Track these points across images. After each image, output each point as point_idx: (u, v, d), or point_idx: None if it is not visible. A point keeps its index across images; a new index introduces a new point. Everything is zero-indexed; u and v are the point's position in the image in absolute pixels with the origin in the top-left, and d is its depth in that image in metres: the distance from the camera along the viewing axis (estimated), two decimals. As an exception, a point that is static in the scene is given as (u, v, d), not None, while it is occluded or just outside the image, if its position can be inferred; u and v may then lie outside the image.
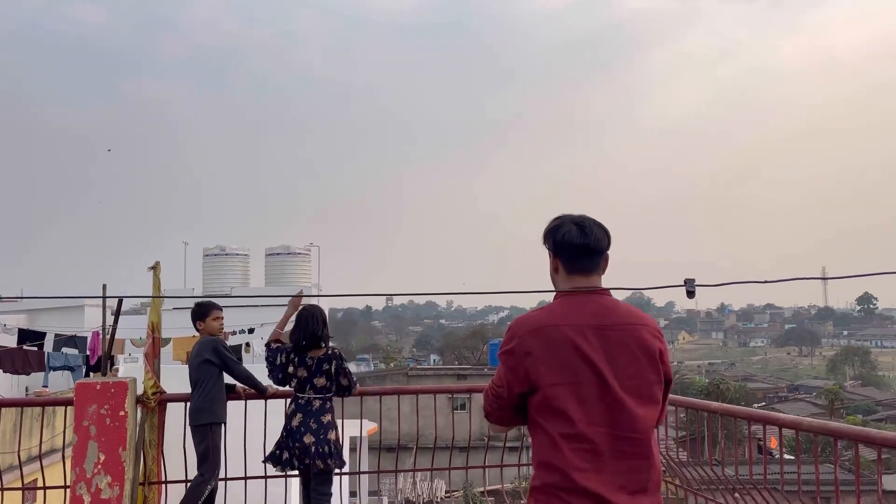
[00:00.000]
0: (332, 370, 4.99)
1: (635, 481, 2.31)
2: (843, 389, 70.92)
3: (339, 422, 5.16)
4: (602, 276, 2.55)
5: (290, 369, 4.99)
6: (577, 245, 2.50)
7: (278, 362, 5.01)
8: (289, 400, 5.18)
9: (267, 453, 5.15)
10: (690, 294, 2.21)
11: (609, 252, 2.56)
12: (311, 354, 4.99)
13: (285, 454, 5.00)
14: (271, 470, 5.58)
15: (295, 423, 4.94)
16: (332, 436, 4.97)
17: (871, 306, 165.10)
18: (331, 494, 5.12)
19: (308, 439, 4.87)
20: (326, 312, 5.52)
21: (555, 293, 2.56)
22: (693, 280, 2.12)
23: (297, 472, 5.20)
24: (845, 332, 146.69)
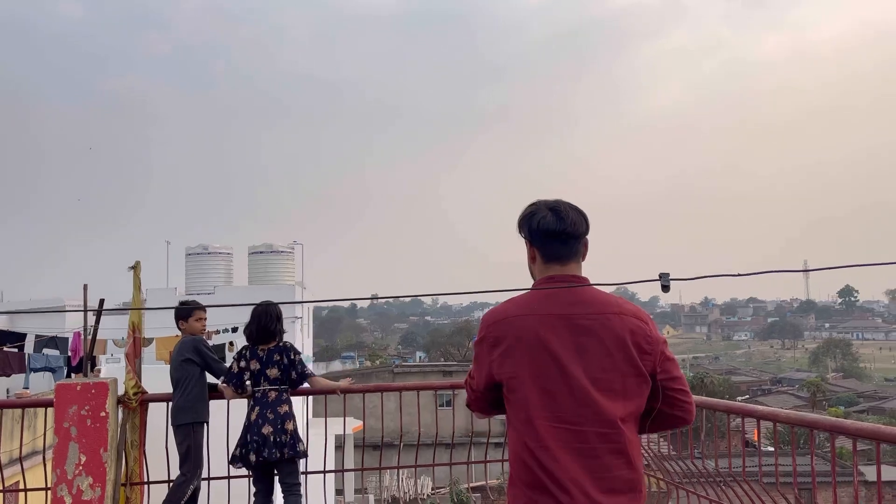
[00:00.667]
0: (285, 361, 5.10)
1: (606, 479, 2.18)
2: (825, 381, 71.78)
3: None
4: (581, 263, 2.44)
5: (243, 364, 5.12)
6: (553, 231, 2.38)
7: (234, 370, 5.15)
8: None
9: (229, 457, 5.17)
10: (665, 288, 2.21)
11: (588, 238, 2.44)
12: (262, 347, 5.12)
13: (241, 450, 5.05)
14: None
15: (253, 416, 5.04)
16: (289, 426, 5.04)
17: (853, 299, 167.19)
18: (300, 484, 5.15)
19: (266, 430, 4.96)
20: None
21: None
22: (668, 274, 2.12)
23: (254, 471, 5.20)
24: (827, 325, 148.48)
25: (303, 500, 5.17)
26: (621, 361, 2.26)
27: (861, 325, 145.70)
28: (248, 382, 5.14)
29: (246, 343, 5.23)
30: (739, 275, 2.25)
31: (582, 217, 2.43)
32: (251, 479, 5.24)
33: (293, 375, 5.14)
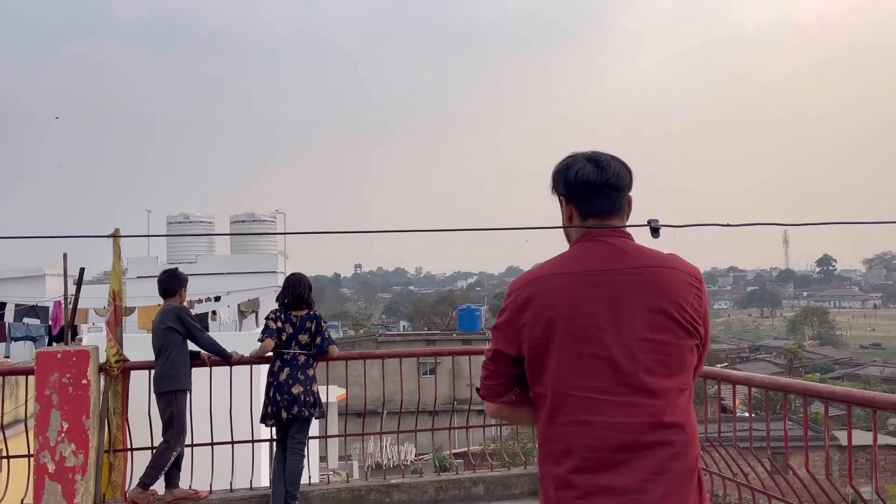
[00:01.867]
0: (314, 329, 5.41)
1: (654, 481, 1.83)
2: (802, 349, 72.99)
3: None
4: (627, 218, 2.10)
5: (280, 325, 5.40)
6: (594, 183, 2.04)
7: (273, 327, 5.41)
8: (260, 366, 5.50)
9: (260, 416, 5.45)
10: (655, 232, 2.09)
11: (632, 193, 2.11)
12: (295, 313, 5.42)
13: (272, 408, 5.31)
14: (238, 436, 5.63)
15: (283, 376, 5.31)
16: (315, 388, 5.41)
17: (830, 268, 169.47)
18: (304, 444, 5.42)
19: (297, 389, 5.27)
20: (294, 279, 5.57)
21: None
22: (657, 220, 2.06)
23: (267, 432, 5.54)
24: (805, 294, 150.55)
25: (305, 460, 5.36)
26: (671, 322, 1.92)
27: (838, 294, 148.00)
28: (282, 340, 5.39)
29: (276, 308, 5.50)
30: (728, 225, 2.27)
31: (626, 168, 2.10)
32: (274, 434, 5.51)
33: (317, 341, 5.45)
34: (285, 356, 5.38)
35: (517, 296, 2.00)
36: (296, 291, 5.46)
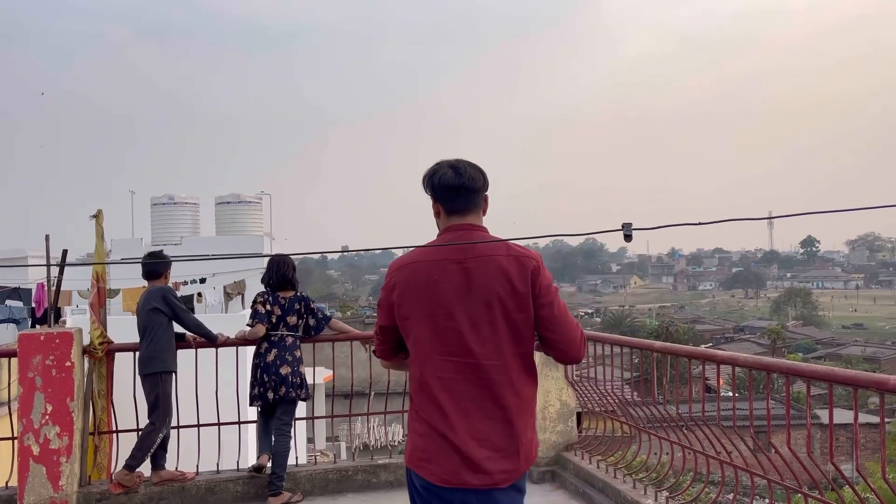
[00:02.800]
0: (302, 310, 5.43)
1: (489, 408, 2.41)
2: (785, 329, 73.76)
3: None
4: (482, 216, 2.64)
5: (268, 307, 5.38)
6: (452, 185, 2.56)
7: (262, 311, 5.38)
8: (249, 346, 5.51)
9: (249, 398, 5.44)
10: (627, 238, 2.23)
11: (488, 193, 2.64)
12: (283, 295, 5.42)
13: (259, 389, 5.32)
14: (224, 417, 5.62)
15: (270, 357, 5.32)
16: (302, 369, 5.42)
17: (814, 249, 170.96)
18: (291, 425, 5.42)
19: (285, 370, 5.29)
20: (277, 260, 5.54)
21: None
22: (630, 224, 2.14)
23: (253, 414, 5.56)
24: (789, 275, 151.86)
25: (291, 441, 5.35)
26: (504, 301, 2.45)
27: (821, 275, 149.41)
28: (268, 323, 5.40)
29: (263, 290, 5.48)
30: (701, 223, 2.27)
31: (480, 173, 2.62)
32: (259, 414, 5.49)
33: (311, 322, 5.47)
34: (273, 338, 5.37)
35: (389, 280, 2.58)
36: (280, 272, 5.43)
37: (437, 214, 2.66)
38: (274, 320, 5.37)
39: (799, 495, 3.57)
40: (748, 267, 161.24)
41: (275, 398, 5.30)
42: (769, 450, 3.77)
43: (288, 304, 5.40)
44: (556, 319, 2.50)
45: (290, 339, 5.38)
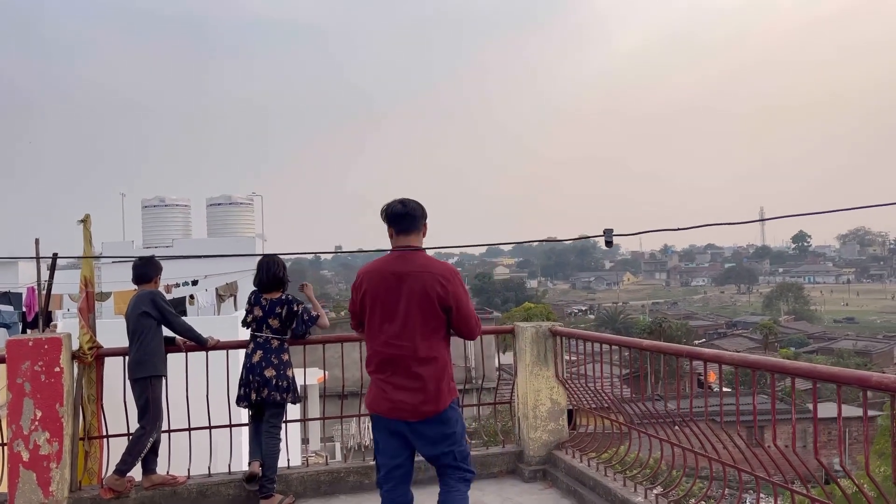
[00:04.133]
0: (283, 314, 5.34)
1: (411, 374, 3.60)
2: (777, 324, 74.10)
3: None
4: (422, 237, 3.81)
5: (248, 307, 5.43)
6: (398, 213, 3.75)
7: (246, 309, 5.48)
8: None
9: (235, 398, 5.44)
10: (608, 244, 2.29)
11: (427, 221, 3.83)
12: (266, 296, 5.39)
13: (244, 389, 5.31)
14: (215, 421, 5.62)
15: (255, 359, 5.30)
16: (289, 373, 5.37)
17: (805, 244, 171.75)
18: (280, 427, 5.40)
19: (269, 373, 5.26)
20: (267, 260, 5.53)
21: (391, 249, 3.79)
22: (611, 230, 2.19)
23: (245, 416, 5.52)
24: (781, 270, 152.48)
25: (281, 443, 5.34)
26: (423, 300, 3.61)
27: (813, 270, 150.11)
28: (251, 325, 5.41)
29: (253, 290, 5.49)
30: (679, 229, 2.30)
31: (420, 206, 3.82)
32: (249, 418, 5.50)
33: (294, 325, 5.41)
34: (258, 339, 5.37)
35: (356, 281, 3.86)
36: (270, 271, 5.41)
37: (390, 235, 3.79)
38: (253, 321, 5.37)
39: (786, 491, 3.60)
40: (740, 262, 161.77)
41: (257, 399, 5.28)
42: (756, 446, 3.80)
43: (269, 307, 5.35)
44: (460, 316, 3.69)
45: (275, 342, 5.34)
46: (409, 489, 3.83)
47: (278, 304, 5.37)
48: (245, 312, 5.48)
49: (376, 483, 3.89)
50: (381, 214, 3.80)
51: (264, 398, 5.26)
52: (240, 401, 5.39)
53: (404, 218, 3.75)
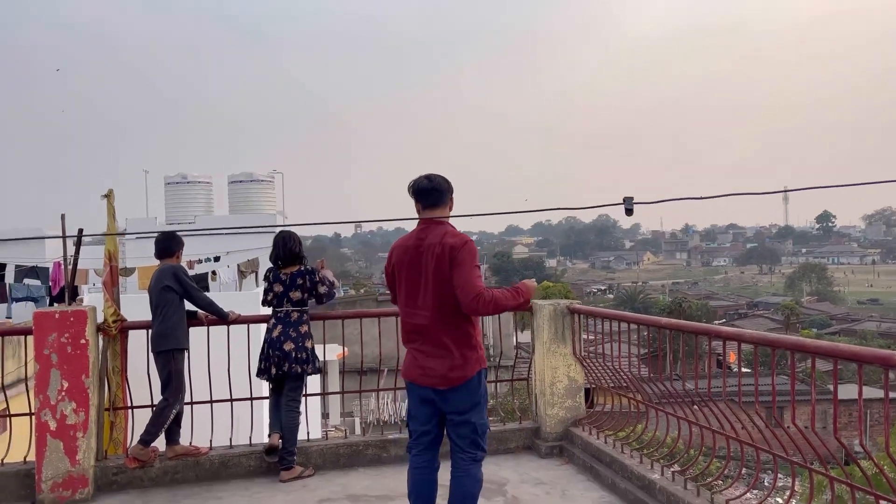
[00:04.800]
0: (307, 284, 5.42)
1: (438, 349, 3.74)
2: (799, 305, 73.36)
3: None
4: (448, 211, 3.91)
5: (266, 285, 5.47)
6: (424, 188, 3.86)
7: (265, 287, 5.53)
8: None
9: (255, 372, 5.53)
10: (629, 212, 2.26)
11: (453, 196, 3.93)
12: (286, 271, 5.44)
13: (264, 363, 5.39)
14: (236, 394, 5.70)
15: (275, 333, 5.37)
16: (308, 344, 5.43)
17: (830, 224, 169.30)
18: (299, 401, 5.48)
19: (288, 346, 5.33)
20: (283, 235, 5.59)
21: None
22: (631, 198, 2.15)
23: (266, 390, 5.64)
24: (804, 250, 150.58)
25: (301, 417, 5.43)
26: (439, 272, 3.72)
27: (837, 250, 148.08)
28: (269, 301, 5.48)
29: (270, 267, 5.55)
30: (702, 198, 2.28)
31: (445, 180, 3.92)
32: (270, 391, 5.59)
33: (322, 290, 5.46)
34: (279, 314, 5.43)
35: (390, 253, 4.01)
36: (286, 246, 5.46)
37: (417, 211, 3.91)
38: (274, 297, 5.43)
39: (805, 471, 3.60)
40: (763, 242, 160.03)
41: (278, 373, 5.37)
42: (775, 426, 3.79)
43: (290, 280, 5.41)
44: (457, 286, 3.68)
45: (294, 315, 5.41)
46: (437, 456, 3.92)
47: (299, 275, 5.44)
48: (264, 291, 5.53)
49: (406, 448, 4.01)
50: (408, 190, 3.90)
51: (285, 371, 5.33)
52: (260, 374, 5.47)
53: (431, 193, 3.84)
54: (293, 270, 5.45)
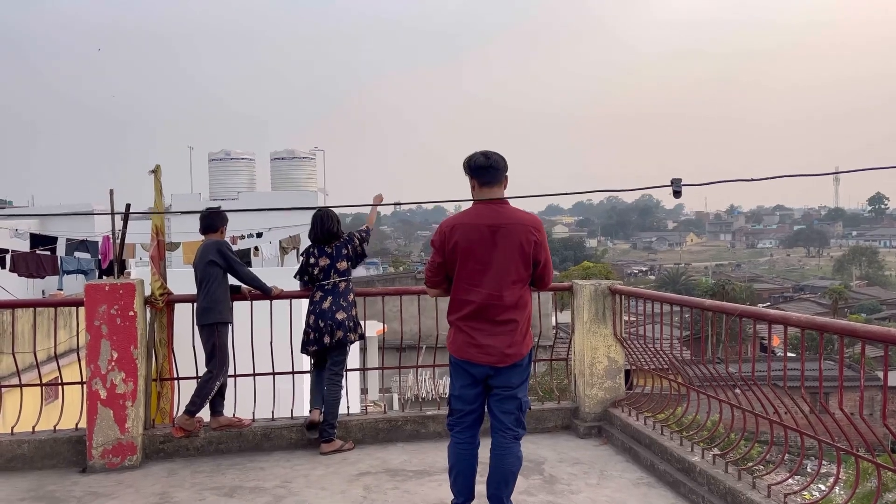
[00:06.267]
0: (351, 252, 5.59)
1: (502, 317, 3.73)
2: (848, 289, 71.47)
3: None
4: (503, 189, 3.85)
5: (312, 261, 5.54)
6: (482, 165, 3.80)
7: (303, 267, 5.63)
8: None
9: (300, 347, 5.62)
10: (677, 194, 2.23)
11: (508, 174, 3.88)
12: (329, 245, 5.57)
13: (315, 334, 5.47)
14: (279, 368, 5.81)
15: (325, 304, 5.48)
16: (355, 312, 5.58)
17: (882, 206, 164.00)
18: (342, 375, 5.59)
19: (341, 315, 5.46)
20: (321, 214, 5.66)
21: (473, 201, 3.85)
22: (679, 180, 2.11)
23: (307, 364, 5.75)
24: (854, 233, 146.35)
25: (342, 391, 5.55)
26: (516, 251, 3.74)
27: (889, 233, 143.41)
28: (315, 276, 5.57)
29: (307, 249, 5.66)
30: (753, 179, 2.22)
31: (502, 158, 3.87)
32: (312, 366, 5.71)
33: (363, 248, 5.67)
34: (326, 286, 5.52)
35: (444, 232, 3.85)
36: (325, 226, 5.57)
37: (472, 188, 3.85)
38: (321, 271, 5.51)
39: (850, 457, 3.52)
40: (811, 224, 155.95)
41: (331, 342, 5.44)
42: (821, 411, 3.71)
43: (335, 252, 5.54)
44: (545, 268, 3.86)
45: (342, 285, 5.53)
46: (478, 434, 3.92)
47: (343, 245, 5.57)
48: (306, 267, 5.58)
49: (447, 426, 3.96)
50: (465, 167, 3.85)
51: (339, 339, 5.44)
52: (309, 345, 5.53)
53: (487, 170, 3.79)
54: (336, 242, 5.58)
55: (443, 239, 3.83)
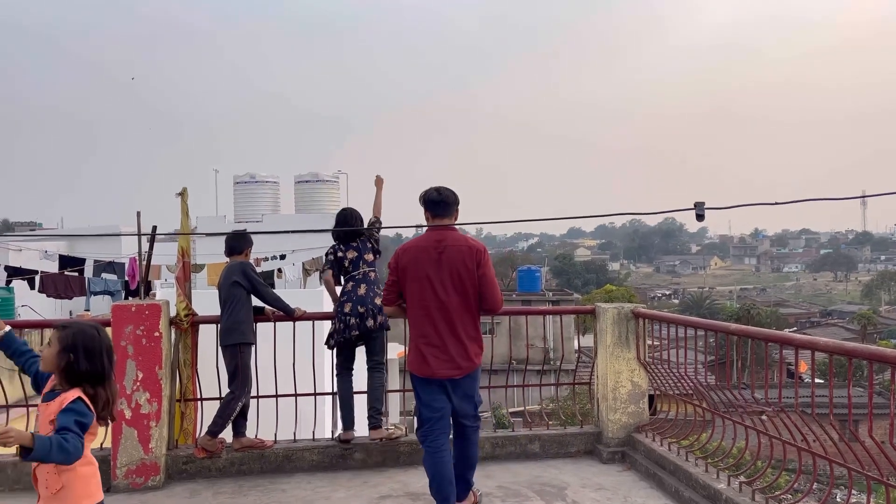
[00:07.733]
0: (374, 243, 5.83)
1: (456, 334, 4.27)
2: (877, 314, 70.16)
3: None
4: (454, 220, 4.48)
5: (340, 255, 5.67)
6: (434, 200, 4.45)
7: (332, 261, 5.73)
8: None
9: (326, 340, 5.70)
10: (700, 217, 2.22)
11: (458, 208, 4.50)
12: (353, 242, 5.74)
13: (355, 319, 5.50)
14: (301, 389, 5.82)
15: (361, 291, 5.59)
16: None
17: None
18: (384, 363, 5.72)
19: (378, 300, 5.54)
20: (345, 213, 5.84)
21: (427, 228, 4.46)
22: (703, 203, 2.10)
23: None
24: (883, 257, 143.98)
25: (386, 375, 5.71)
26: (461, 272, 4.29)
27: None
28: (346, 269, 5.68)
29: (331, 248, 5.81)
30: (777, 203, 2.21)
31: (452, 193, 4.50)
32: (337, 354, 5.71)
33: (377, 235, 5.92)
34: (356, 275, 5.62)
35: (398, 254, 4.49)
36: (348, 224, 5.74)
37: (426, 218, 4.48)
38: (352, 263, 5.63)
39: (881, 486, 3.44)
40: (838, 248, 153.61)
41: (374, 325, 5.50)
42: (850, 438, 3.64)
43: (361, 245, 5.71)
44: (487, 285, 4.34)
45: (373, 275, 5.69)
46: (448, 440, 4.40)
47: (367, 239, 5.78)
48: (335, 259, 5.67)
49: (420, 438, 4.40)
50: (420, 200, 4.47)
51: (381, 324, 5.53)
52: (350, 330, 5.49)
53: (439, 204, 4.43)
54: (360, 237, 5.76)
55: (396, 260, 4.47)
